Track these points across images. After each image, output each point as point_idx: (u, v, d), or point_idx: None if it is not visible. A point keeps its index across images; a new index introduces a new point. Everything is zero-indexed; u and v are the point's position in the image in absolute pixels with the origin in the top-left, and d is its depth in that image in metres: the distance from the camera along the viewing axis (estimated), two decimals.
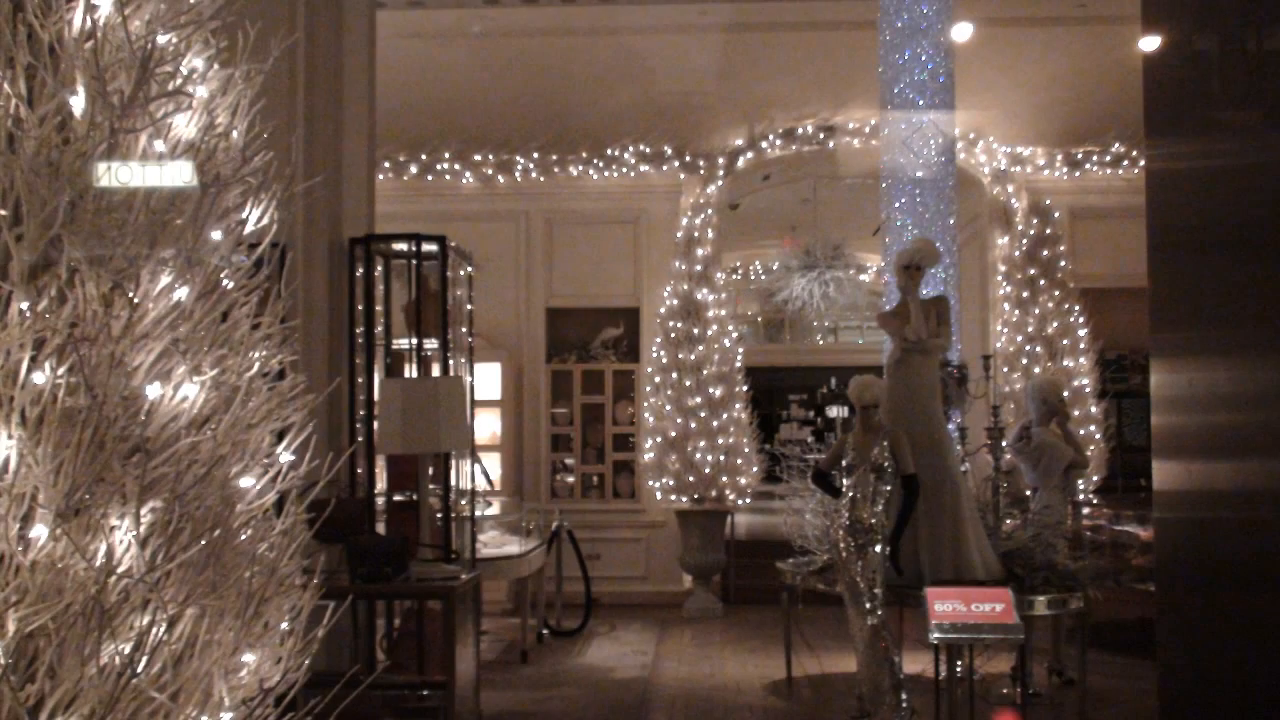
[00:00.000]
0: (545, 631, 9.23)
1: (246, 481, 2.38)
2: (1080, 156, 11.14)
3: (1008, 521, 7.09)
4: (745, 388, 10.59)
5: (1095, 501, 9.76)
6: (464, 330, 7.04)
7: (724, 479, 10.25)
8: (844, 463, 6.10)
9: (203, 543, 2.18)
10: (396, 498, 6.46)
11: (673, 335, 10.45)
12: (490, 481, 9.18)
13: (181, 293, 2.22)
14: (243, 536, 2.36)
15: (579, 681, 7.82)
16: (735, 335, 10.93)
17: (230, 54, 2.44)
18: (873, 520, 5.97)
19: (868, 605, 5.94)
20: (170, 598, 2.11)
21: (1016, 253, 11.02)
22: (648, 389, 10.64)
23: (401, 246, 6.52)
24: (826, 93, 11.03)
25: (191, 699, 2.16)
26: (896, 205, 8.88)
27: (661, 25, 10.63)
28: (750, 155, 11.15)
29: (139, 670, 2.02)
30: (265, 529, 2.45)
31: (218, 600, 2.23)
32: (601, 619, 9.94)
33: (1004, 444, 7.35)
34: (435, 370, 6.55)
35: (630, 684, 7.72)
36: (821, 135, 11.11)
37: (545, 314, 11.13)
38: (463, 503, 6.67)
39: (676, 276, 10.62)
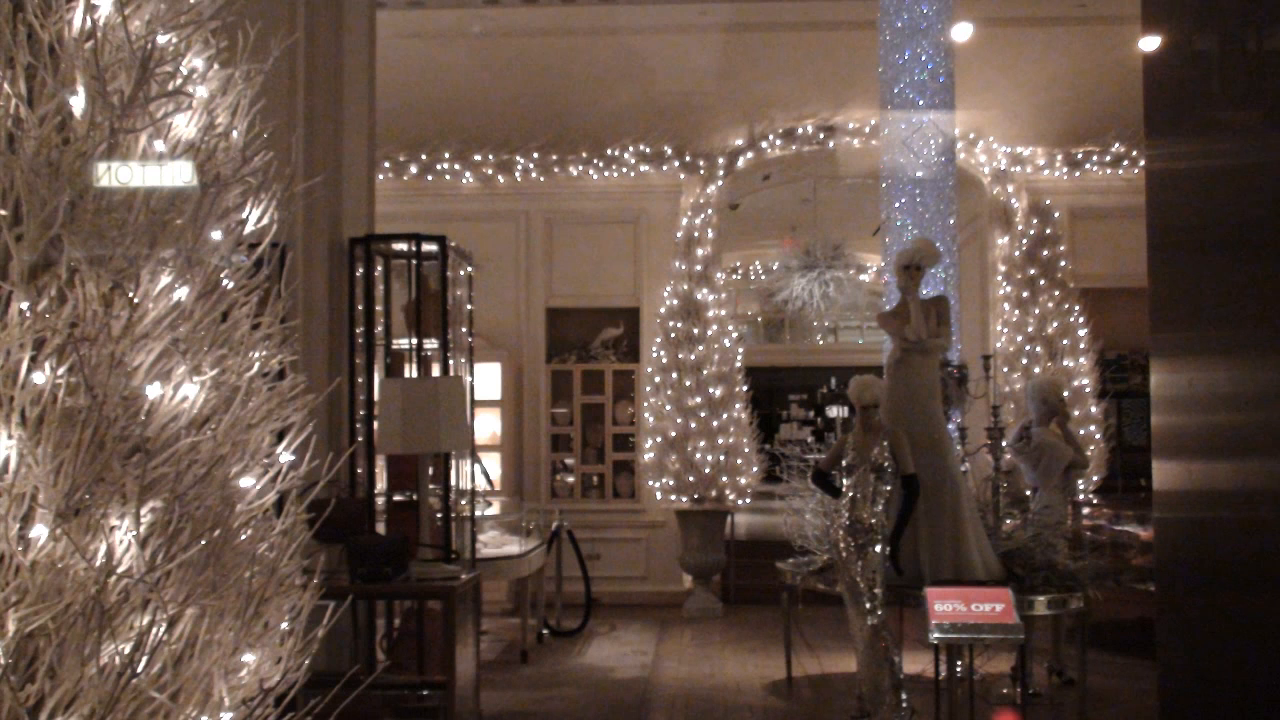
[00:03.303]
0: (545, 631, 9.23)
1: (246, 481, 2.38)
2: (1080, 156, 11.14)
3: (1008, 521, 7.08)
4: (745, 388, 10.59)
5: (1095, 501, 9.76)
6: (464, 330, 7.04)
7: (724, 479, 10.25)
8: (844, 463, 6.10)
9: (203, 543, 2.18)
10: (396, 498, 6.46)
11: (673, 335, 10.45)
12: (490, 481, 9.17)
13: (181, 293, 2.22)
14: (243, 536, 2.36)
15: (579, 681, 7.82)
16: (735, 335, 10.93)
17: (230, 54, 2.44)
18: (873, 520, 5.97)
19: (868, 605, 5.94)
20: (170, 598, 2.11)
21: (1016, 253, 11.02)
22: (648, 389, 10.64)
23: (401, 246, 6.52)
24: (826, 93, 11.03)
25: (191, 699, 2.16)
26: (896, 205, 8.87)
27: (661, 25, 10.62)
28: (750, 155, 11.14)
29: (139, 670, 2.02)
30: (265, 529, 2.45)
31: (218, 600, 2.23)
32: (601, 619, 9.94)
33: (1004, 444, 7.35)
34: (435, 370, 6.54)
35: (630, 684, 7.72)
36: (821, 135, 11.11)
37: (545, 314, 11.13)
38: (463, 503, 6.67)
39: (676, 276, 10.62)
